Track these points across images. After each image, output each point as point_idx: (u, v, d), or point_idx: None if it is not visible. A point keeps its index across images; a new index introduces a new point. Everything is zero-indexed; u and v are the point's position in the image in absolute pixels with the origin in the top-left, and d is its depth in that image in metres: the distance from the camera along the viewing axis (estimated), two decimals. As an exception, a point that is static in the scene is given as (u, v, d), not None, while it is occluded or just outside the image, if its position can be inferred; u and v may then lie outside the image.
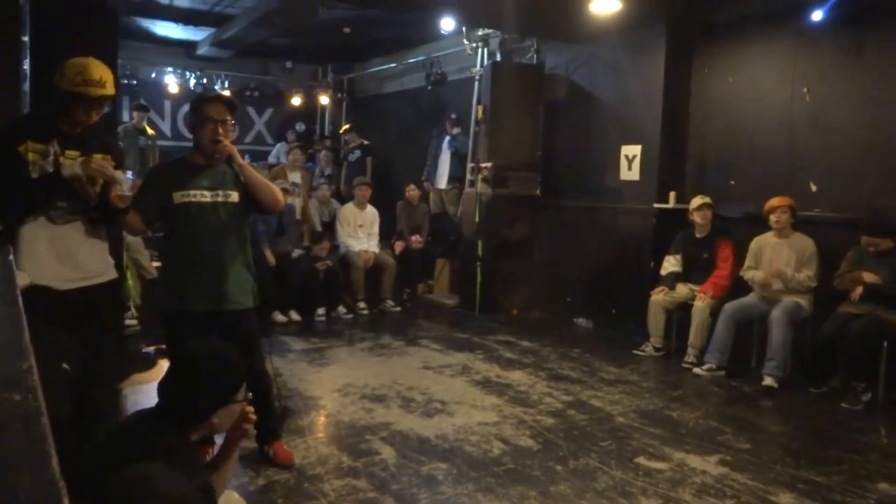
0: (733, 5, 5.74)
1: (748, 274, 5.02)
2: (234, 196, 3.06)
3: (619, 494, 3.02)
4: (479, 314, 6.88)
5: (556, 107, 7.14)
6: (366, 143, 9.36)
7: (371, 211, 7.26)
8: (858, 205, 4.78)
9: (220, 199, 3.02)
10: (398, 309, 7.00)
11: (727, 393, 4.59)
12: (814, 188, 5.17)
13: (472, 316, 6.87)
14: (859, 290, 4.38)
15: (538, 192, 7.15)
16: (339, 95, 11.14)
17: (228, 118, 3.01)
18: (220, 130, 2.97)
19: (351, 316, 6.64)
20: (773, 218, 4.90)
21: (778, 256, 4.90)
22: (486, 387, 4.55)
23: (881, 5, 4.79)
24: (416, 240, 7.49)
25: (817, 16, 5.00)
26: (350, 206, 7.25)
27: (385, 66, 10.17)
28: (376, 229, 7.24)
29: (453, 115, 8.26)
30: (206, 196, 3.00)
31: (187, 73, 9.78)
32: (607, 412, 4.10)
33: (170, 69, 9.70)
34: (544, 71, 7.18)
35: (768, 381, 4.59)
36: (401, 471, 3.21)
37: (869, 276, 4.38)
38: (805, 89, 5.25)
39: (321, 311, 6.50)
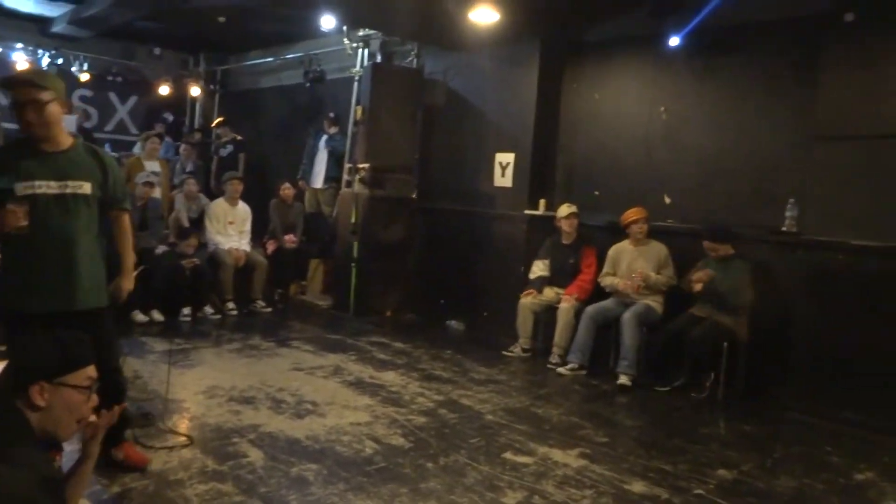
0: (601, 27, 6.11)
1: (606, 280, 5.36)
2: (86, 187, 2.80)
3: (486, 489, 3.12)
4: (352, 316, 6.84)
5: (434, 112, 7.25)
6: (239, 138, 9.04)
7: (243, 208, 7.03)
8: (704, 216, 5.22)
9: (68, 190, 2.77)
10: (269, 310, 6.82)
11: (588, 391, 4.87)
12: (667, 201, 5.59)
13: (345, 317, 6.82)
14: (700, 275, 4.77)
15: (414, 195, 7.22)
16: (212, 87, 10.70)
17: (40, 97, 2.67)
18: (34, 114, 2.67)
19: (219, 316, 6.40)
20: (635, 228, 5.26)
21: (635, 263, 5.27)
22: (359, 387, 4.54)
23: (728, 39, 5.27)
24: (290, 239, 7.34)
25: (674, 42, 5.43)
26: (220, 201, 6.98)
27: (262, 60, 9.90)
28: (248, 227, 7.02)
29: (331, 115, 8.18)
30: (52, 187, 2.74)
31: (39, 51, 9.02)
32: (477, 410, 4.22)
33: (19, 45, 8.90)
34: (423, 75, 7.28)
35: (622, 379, 4.92)
36: (269, 473, 3.14)
37: (707, 273, 4.79)
38: (662, 109, 5.68)
39: (186, 311, 6.21)
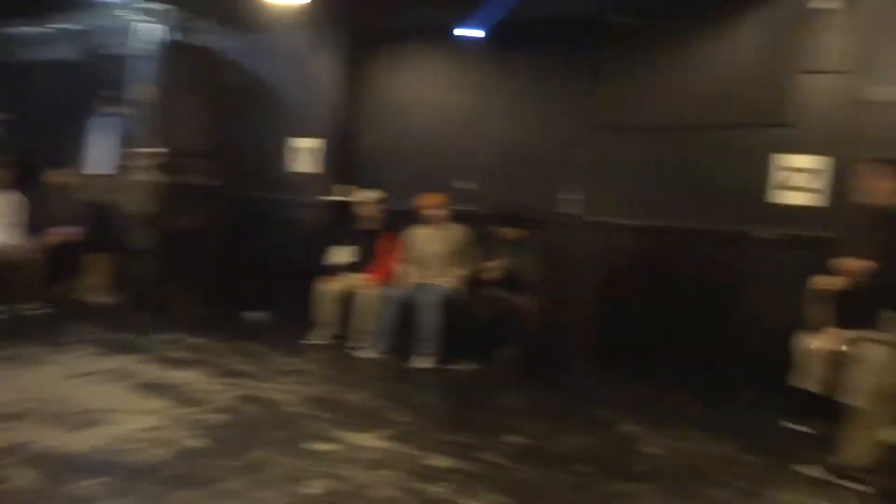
0: (399, 17, 6.19)
1: (401, 267, 5.51)
2: None
3: (290, 481, 3.07)
4: (141, 313, 6.35)
5: (234, 94, 6.92)
6: (6, 117, 7.94)
7: (13, 196, 6.20)
8: (497, 201, 5.53)
9: None
10: (43, 312, 6.11)
11: (391, 373, 4.98)
12: (467, 186, 5.85)
13: (134, 315, 6.32)
14: (491, 265, 5.07)
15: (214, 181, 6.85)
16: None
17: None
18: None
19: (-23, 323, 5.63)
20: (432, 213, 5.45)
21: (433, 246, 5.46)
22: (150, 390, 4.24)
23: (520, 33, 5.60)
24: (69, 232, 6.60)
25: (476, 34, 5.66)
26: (-18, 190, 6.11)
27: (33, 30, 8.69)
28: (19, 217, 6.21)
29: (114, 94, 7.46)
30: None
31: None
32: (279, 402, 4.14)
33: None
34: (222, 56, 6.89)
35: (422, 361, 5.11)
36: (46, 495, 2.83)
37: (497, 264, 5.09)
38: (461, 98, 5.91)
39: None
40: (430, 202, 5.45)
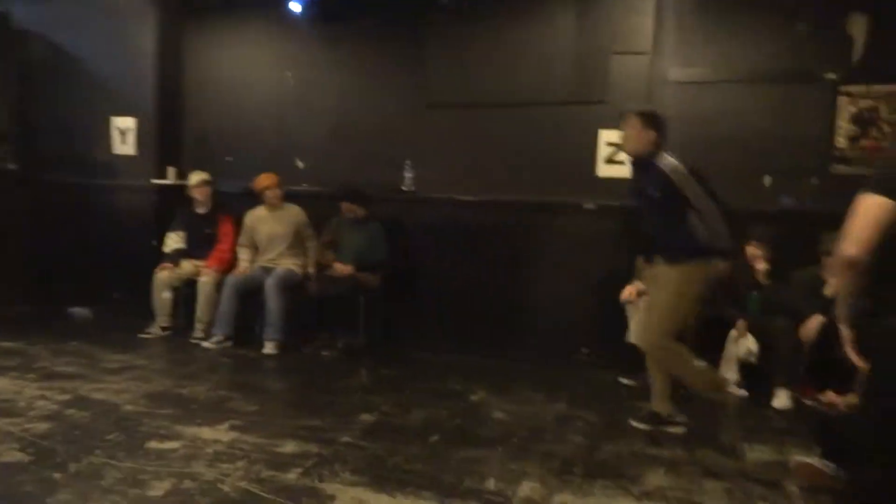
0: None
1: (239, 251, 5.29)
2: None
3: (129, 485, 2.88)
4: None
5: (34, 69, 6.22)
6: None
7: None
8: (335, 179, 5.46)
9: None
10: None
11: (235, 362, 4.80)
12: (300, 165, 5.71)
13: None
14: (340, 266, 5.07)
15: (14, 166, 6.14)
16: None
17: None
18: None
19: None
20: (268, 194, 5.27)
21: (272, 228, 5.30)
22: (-45, 402, 3.78)
23: (349, 9, 5.50)
24: None
25: (296, 7, 5.49)
26: None
27: None
28: None
29: None
30: None
31: None
32: (113, 403, 3.85)
33: None
34: (12, 24, 6.15)
35: (268, 346, 4.99)
36: None
37: (330, 258, 5.15)
38: (289, 74, 5.73)
39: None
40: (264, 182, 5.27)
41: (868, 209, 2.23)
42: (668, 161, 3.44)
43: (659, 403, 3.69)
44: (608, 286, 4.69)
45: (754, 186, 4.65)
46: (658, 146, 3.51)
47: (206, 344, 5.06)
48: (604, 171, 4.97)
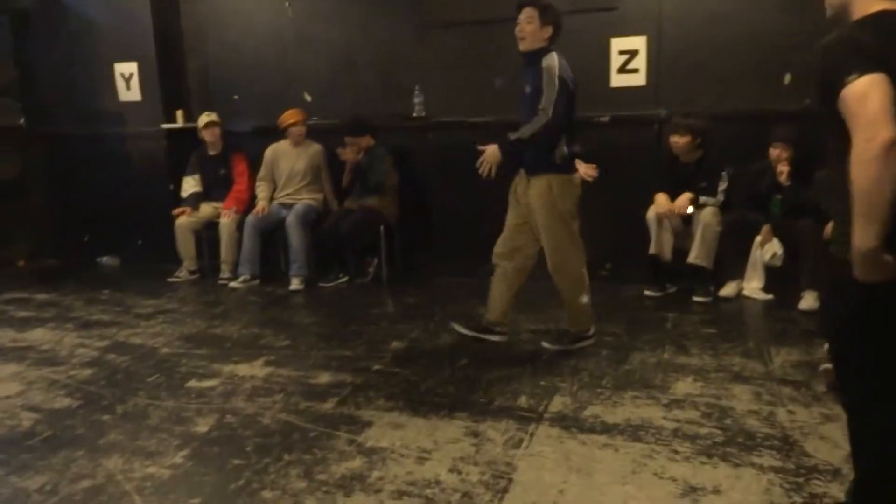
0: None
1: (258, 188, 5.28)
2: None
3: (175, 423, 2.99)
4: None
5: (27, 18, 6.10)
6: None
7: None
8: (343, 111, 5.37)
9: None
10: None
11: (264, 299, 4.88)
12: (308, 98, 5.62)
13: (-37, 278, 5.71)
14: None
15: (21, 121, 6.13)
16: None
17: None
18: None
19: None
20: (294, 130, 5.21)
21: (293, 164, 5.28)
22: (3, 355, 3.91)
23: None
24: None
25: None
26: None
27: None
28: None
29: None
30: None
31: None
32: (150, 346, 3.96)
33: None
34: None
35: (294, 282, 5.05)
36: None
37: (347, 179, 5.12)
38: (287, 4, 5.56)
39: None
40: (290, 119, 5.20)
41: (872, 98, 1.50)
42: (552, 61, 3.30)
43: (495, 312, 3.72)
44: (628, 200, 4.65)
45: (774, 86, 4.51)
46: (551, 42, 3.40)
47: (233, 284, 5.13)
48: (617, 80, 4.83)
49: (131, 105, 5.89)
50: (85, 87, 6.03)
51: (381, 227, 5.08)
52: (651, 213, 4.46)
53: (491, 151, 3.43)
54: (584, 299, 3.58)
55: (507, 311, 3.72)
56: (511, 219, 3.65)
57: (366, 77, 5.42)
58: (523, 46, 3.42)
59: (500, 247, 3.67)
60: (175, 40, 5.88)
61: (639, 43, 4.70)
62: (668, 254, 4.45)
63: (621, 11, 4.72)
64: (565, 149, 3.37)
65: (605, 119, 4.81)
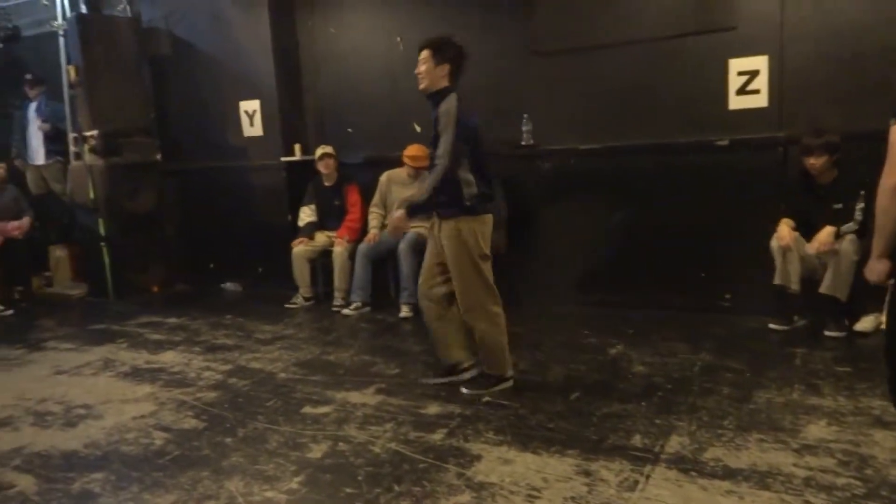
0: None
1: (372, 215, 5.43)
2: None
3: (291, 448, 3.10)
4: (113, 299, 6.26)
5: (163, 64, 6.65)
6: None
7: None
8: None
9: None
10: (10, 313, 5.99)
11: (375, 327, 5.00)
12: (418, 129, 5.75)
13: (105, 303, 6.23)
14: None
15: (158, 157, 6.66)
16: None
17: None
18: None
19: (-56, 333, 5.48)
20: (414, 164, 5.31)
21: (407, 192, 5.39)
22: (136, 377, 4.21)
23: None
24: (15, 227, 6.39)
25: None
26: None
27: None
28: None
29: (28, 76, 7.12)
30: None
31: None
32: (269, 371, 4.14)
33: None
34: (141, 24, 6.59)
35: (404, 310, 5.15)
36: (46, 497, 2.82)
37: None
38: (398, 39, 5.74)
39: None
40: (415, 153, 5.33)
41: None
42: (450, 104, 3.26)
43: (453, 352, 3.62)
44: (750, 227, 4.42)
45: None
46: (452, 80, 3.36)
47: (345, 311, 5.29)
48: (736, 103, 4.62)
49: (254, 140, 6.26)
50: (213, 124, 6.47)
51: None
52: (775, 243, 4.21)
53: (396, 220, 3.50)
54: (505, 341, 3.53)
55: (465, 345, 3.63)
56: (429, 258, 3.60)
57: (474, 105, 5.40)
58: (421, 87, 3.41)
59: (423, 286, 3.63)
60: (294, 79, 6.21)
61: (759, 63, 4.49)
62: (795, 284, 4.17)
63: (740, 31, 4.53)
64: (474, 189, 3.32)
65: (724, 143, 4.61)
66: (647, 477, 2.57)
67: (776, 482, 2.47)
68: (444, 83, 3.37)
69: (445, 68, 3.35)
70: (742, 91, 4.59)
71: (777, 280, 4.20)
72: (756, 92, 4.53)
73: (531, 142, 5.18)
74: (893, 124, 1.92)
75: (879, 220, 2.03)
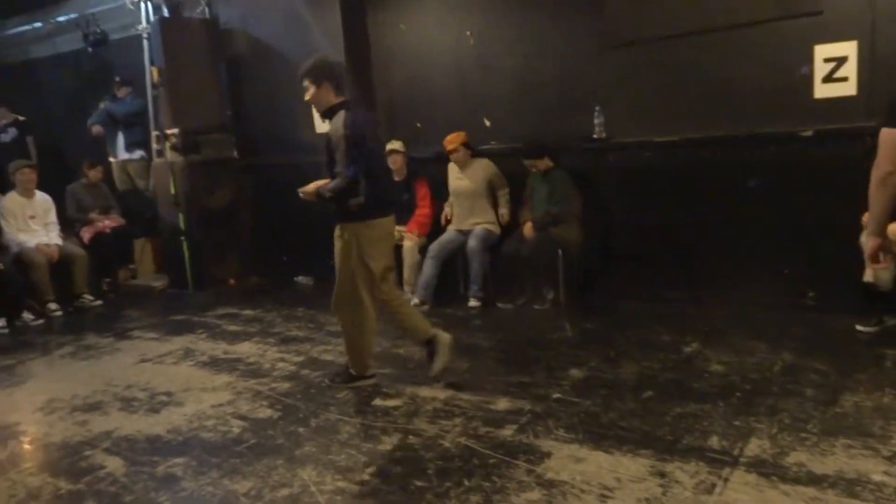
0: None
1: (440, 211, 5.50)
2: None
3: (362, 440, 3.16)
4: (193, 291, 6.52)
5: (239, 63, 6.85)
6: (21, 118, 8.06)
7: (42, 197, 6.33)
8: (522, 134, 5.37)
9: None
10: (99, 303, 6.31)
11: (443, 322, 4.96)
12: (487, 123, 5.73)
13: (186, 295, 6.49)
14: (528, 227, 5.05)
15: (235, 153, 6.88)
16: (-27, 65, 9.33)
17: None
18: None
19: (41, 321, 5.83)
20: (452, 157, 5.38)
21: (460, 184, 5.43)
22: (214, 366, 4.37)
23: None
24: (107, 223, 6.75)
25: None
26: (13, 195, 6.22)
27: (28, 27, 8.71)
28: (53, 217, 6.36)
29: (117, 78, 7.47)
30: None
31: None
32: (340, 363, 4.21)
33: None
34: (219, 25, 6.81)
35: (472, 302, 5.18)
36: (133, 479, 2.97)
37: (527, 222, 5.10)
38: (468, 33, 5.73)
39: (1, 322, 5.59)
40: (452, 140, 5.37)
41: (885, 143, 2.38)
42: (338, 122, 3.48)
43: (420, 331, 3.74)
44: (835, 221, 4.20)
45: None
46: (340, 93, 3.58)
47: (413, 304, 5.30)
48: (822, 91, 4.39)
49: (326, 136, 6.35)
50: (286, 121, 6.62)
51: (560, 251, 5.02)
52: (864, 237, 3.99)
53: (307, 191, 3.76)
54: (367, 343, 3.74)
55: (423, 322, 3.79)
56: None
57: (545, 99, 5.42)
58: (318, 110, 3.66)
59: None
60: (365, 75, 6.28)
61: (848, 49, 4.25)
62: (887, 282, 3.94)
63: (826, 15, 4.30)
64: (361, 198, 3.51)
65: (808, 133, 4.39)
66: (726, 480, 2.49)
67: (865, 490, 2.35)
68: (334, 100, 3.59)
69: (327, 87, 3.57)
70: (829, 79, 4.35)
71: (867, 277, 3.97)
72: (844, 80, 4.30)
73: (604, 135, 5.08)
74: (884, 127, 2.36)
75: (870, 205, 2.47)
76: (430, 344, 3.72)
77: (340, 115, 3.54)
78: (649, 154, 4.99)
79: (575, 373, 3.74)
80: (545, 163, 5.10)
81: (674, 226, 4.96)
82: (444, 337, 3.70)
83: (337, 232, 3.69)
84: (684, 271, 4.94)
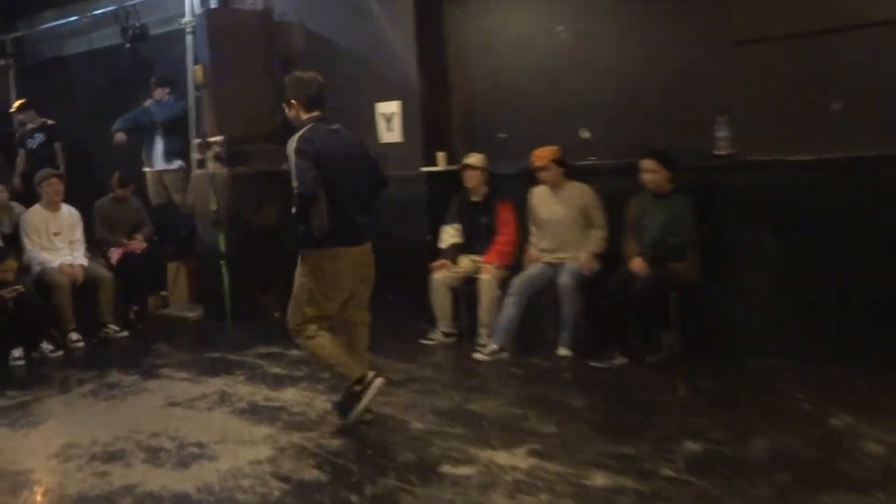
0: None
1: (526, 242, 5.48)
2: None
3: (426, 515, 3.11)
4: (231, 324, 6.67)
5: (294, 61, 7.03)
6: (50, 122, 8.54)
7: (68, 212, 6.65)
8: (628, 149, 5.29)
9: None
10: (125, 334, 6.54)
11: (527, 373, 4.95)
12: (586, 135, 5.67)
13: (223, 328, 6.64)
14: (638, 262, 4.92)
15: (285, 166, 7.03)
16: (2, 62, 9.96)
17: None
18: None
19: (61, 353, 6.08)
20: (542, 176, 5.34)
21: (550, 210, 5.36)
22: (254, 415, 4.43)
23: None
24: (138, 243, 7.00)
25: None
26: (37, 208, 6.56)
27: (64, 21, 9.25)
28: (80, 234, 6.66)
29: (153, 78, 7.79)
30: None
31: None
32: (401, 419, 4.20)
33: None
34: (272, 18, 7.04)
35: (562, 351, 5.11)
36: (158, 546, 3.01)
37: (632, 249, 5.01)
38: (561, 28, 5.73)
39: (17, 352, 5.86)
40: (541, 156, 5.32)
41: None
42: (291, 141, 3.89)
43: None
44: None
45: None
46: (310, 109, 4.06)
47: (476, 356, 5.24)
48: None
49: (391, 147, 6.45)
50: (347, 128, 6.73)
51: (674, 294, 4.89)
52: None
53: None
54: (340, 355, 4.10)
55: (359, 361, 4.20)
56: None
57: (656, 108, 5.34)
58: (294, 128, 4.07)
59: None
60: (440, 77, 6.36)
61: None
62: None
63: None
64: (325, 226, 3.89)
65: None
66: None
67: None
68: (304, 116, 4.07)
69: (296, 105, 4.09)
70: None
71: None
72: None
73: (730, 150, 4.95)
74: None
75: None
76: (359, 383, 4.02)
77: (295, 137, 3.96)
78: (787, 175, 4.83)
79: (690, 445, 3.62)
80: (666, 178, 4.98)
81: (819, 266, 4.76)
82: (377, 380, 4.04)
83: (299, 256, 4.15)
84: (832, 322, 4.71)
